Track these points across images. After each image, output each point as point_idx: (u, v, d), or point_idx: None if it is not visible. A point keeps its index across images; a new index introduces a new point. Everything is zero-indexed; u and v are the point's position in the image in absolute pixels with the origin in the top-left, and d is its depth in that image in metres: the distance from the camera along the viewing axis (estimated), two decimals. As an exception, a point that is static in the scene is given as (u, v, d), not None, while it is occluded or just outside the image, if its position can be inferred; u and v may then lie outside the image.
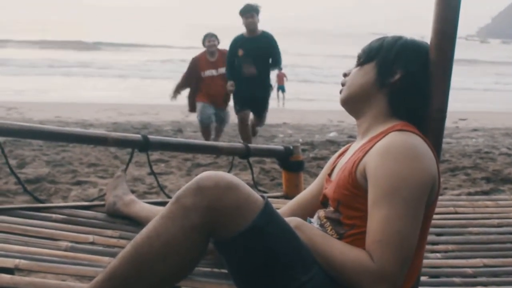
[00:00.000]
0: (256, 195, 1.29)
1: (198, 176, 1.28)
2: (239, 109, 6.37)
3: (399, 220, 1.26)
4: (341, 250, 1.32)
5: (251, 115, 6.51)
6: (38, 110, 9.83)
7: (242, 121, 6.41)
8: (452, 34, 1.42)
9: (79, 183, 4.26)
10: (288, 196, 2.53)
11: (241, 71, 6.09)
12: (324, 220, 1.45)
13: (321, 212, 1.49)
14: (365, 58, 1.50)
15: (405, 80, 1.43)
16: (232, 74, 6.23)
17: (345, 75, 1.56)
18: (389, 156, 1.30)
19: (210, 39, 6.73)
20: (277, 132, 8.24)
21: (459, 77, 23.19)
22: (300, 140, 7.26)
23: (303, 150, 6.11)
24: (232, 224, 1.24)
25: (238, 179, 1.30)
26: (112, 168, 4.74)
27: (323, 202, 1.53)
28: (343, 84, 1.55)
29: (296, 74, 23.25)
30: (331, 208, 1.44)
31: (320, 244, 1.34)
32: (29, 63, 22.57)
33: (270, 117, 10.21)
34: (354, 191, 1.36)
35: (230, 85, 6.21)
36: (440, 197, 3.17)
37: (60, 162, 4.93)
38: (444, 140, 7.39)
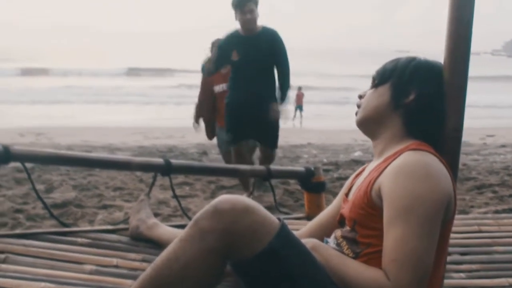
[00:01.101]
0: (272, 217, 1.31)
1: (215, 200, 1.32)
2: (233, 139, 4.59)
3: (414, 238, 1.26)
4: (356, 270, 1.32)
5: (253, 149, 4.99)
6: (66, 135, 10.01)
7: (239, 157, 4.59)
8: (465, 53, 1.43)
9: (105, 207, 4.33)
10: (310, 217, 2.53)
11: (236, 82, 4.52)
12: (341, 239, 1.46)
13: (338, 232, 1.51)
14: (379, 80, 1.52)
15: (420, 101, 1.44)
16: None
17: (360, 97, 1.58)
18: (403, 175, 1.31)
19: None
20: (301, 153, 8.23)
21: (485, 94, 22.94)
22: (325, 160, 7.24)
23: (327, 170, 6.10)
24: (248, 246, 1.26)
25: (255, 202, 1.33)
26: (137, 192, 4.80)
27: (340, 221, 1.55)
28: (358, 106, 1.57)
29: (320, 94, 23.26)
30: (348, 228, 1.45)
31: (336, 264, 1.35)
32: (56, 89, 23.06)
33: (295, 138, 10.26)
34: (369, 210, 1.38)
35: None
36: (464, 216, 3.15)
37: (86, 186, 5.01)
38: (471, 157, 7.39)
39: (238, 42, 4.40)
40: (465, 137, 7.09)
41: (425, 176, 1.30)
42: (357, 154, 7.96)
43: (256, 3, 4.34)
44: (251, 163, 4.80)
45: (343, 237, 1.46)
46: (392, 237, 1.28)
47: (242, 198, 1.31)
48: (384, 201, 1.33)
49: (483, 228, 2.45)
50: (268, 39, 4.42)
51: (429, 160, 1.34)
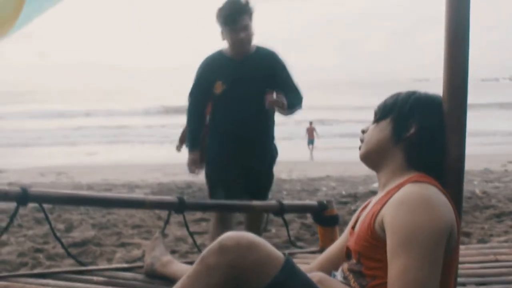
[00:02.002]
0: (277, 252, 1.36)
1: (221, 237, 1.37)
2: (215, 193, 3.24)
3: (416, 268, 1.28)
4: None
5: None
6: (86, 173, 10.14)
7: (221, 225, 3.18)
8: (463, 83, 1.46)
9: (123, 245, 4.36)
10: (324, 251, 2.54)
11: (221, 124, 3.25)
12: (347, 272, 1.48)
13: (345, 265, 1.52)
14: (380, 114, 1.56)
15: (420, 134, 1.48)
16: (198, 132, 3.32)
17: (363, 131, 1.62)
18: (404, 206, 1.34)
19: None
20: (320, 185, 8.21)
21: (506, 120, 22.73)
22: (343, 192, 7.22)
23: (346, 203, 6.08)
24: (254, 281, 1.30)
25: (259, 238, 1.37)
26: (155, 229, 4.83)
27: (347, 254, 1.56)
28: (361, 141, 1.60)
29: (336, 127, 23.29)
30: (353, 260, 1.47)
31: None
32: (75, 129, 23.46)
33: (313, 171, 10.25)
34: (373, 242, 1.40)
35: (190, 161, 3.35)
36: (481, 245, 3.13)
37: (105, 224, 5.06)
38: (492, 184, 7.30)
39: (224, 69, 3.19)
40: (486, 164, 7.05)
41: (426, 206, 1.32)
42: (375, 186, 7.91)
43: (250, 16, 3.19)
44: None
45: (350, 270, 1.47)
46: (395, 267, 1.30)
47: (247, 234, 1.36)
48: (386, 232, 1.36)
49: (500, 257, 2.43)
50: (265, 63, 3.22)
51: (430, 191, 1.37)
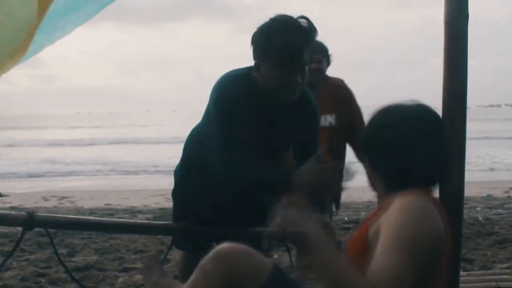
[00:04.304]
0: (266, 260, 1.56)
1: (218, 246, 1.56)
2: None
3: (397, 266, 1.34)
4: (346, 267, 1.40)
5: None
6: (89, 198, 10.14)
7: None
8: (461, 109, 1.49)
9: (126, 270, 4.36)
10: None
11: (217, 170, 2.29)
12: None
13: None
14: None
15: (388, 161, 1.59)
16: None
17: None
18: (399, 210, 1.44)
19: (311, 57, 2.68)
20: (322, 211, 8.19)
21: (509, 145, 22.70)
22: (346, 218, 7.21)
23: (348, 229, 6.07)
24: (248, 285, 1.48)
25: (251, 249, 1.56)
26: (158, 254, 4.83)
27: None
28: None
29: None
30: None
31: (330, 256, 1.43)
32: (76, 153, 23.50)
33: (315, 196, 10.18)
34: (361, 249, 1.50)
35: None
36: (482, 272, 3.13)
37: (108, 249, 5.06)
38: (495, 211, 7.28)
39: (255, 107, 2.22)
40: (489, 191, 7.03)
41: (418, 212, 1.42)
42: (378, 211, 7.90)
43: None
44: None
45: None
46: (379, 259, 1.38)
47: (240, 245, 1.55)
48: (380, 233, 1.44)
49: (502, 284, 2.44)
50: (304, 111, 2.33)
51: (421, 201, 1.46)
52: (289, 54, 2.05)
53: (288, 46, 2.03)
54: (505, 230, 5.64)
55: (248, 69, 2.22)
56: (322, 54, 2.95)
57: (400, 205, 1.45)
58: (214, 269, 1.49)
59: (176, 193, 2.52)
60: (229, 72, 2.26)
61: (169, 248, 2.51)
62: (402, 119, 1.57)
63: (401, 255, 1.35)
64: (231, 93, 2.16)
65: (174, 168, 2.58)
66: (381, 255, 1.37)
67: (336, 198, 2.96)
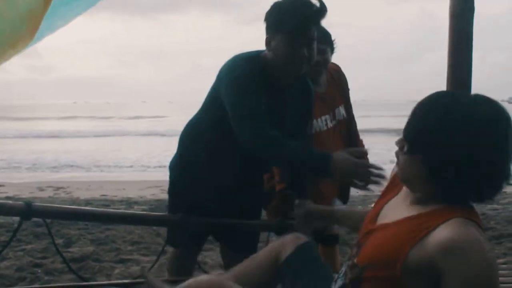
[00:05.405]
0: None
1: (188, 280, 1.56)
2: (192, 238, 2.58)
3: None
4: None
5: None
6: (84, 189, 10.12)
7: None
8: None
9: (122, 261, 4.36)
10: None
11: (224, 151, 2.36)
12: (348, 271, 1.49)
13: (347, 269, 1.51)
14: (409, 147, 1.38)
15: (461, 171, 1.30)
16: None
17: (397, 145, 1.44)
18: (462, 259, 1.23)
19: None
20: (318, 204, 8.20)
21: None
22: (341, 211, 7.21)
23: (344, 222, 6.08)
24: None
25: (223, 284, 1.55)
26: (154, 246, 4.83)
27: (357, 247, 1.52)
28: (397, 157, 1.45)
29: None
30: (356, 268, 1.45)
31: None
32: (73, 144, 23.45)
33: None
34: (389, 276, 1.32)
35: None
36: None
37: (104, 240, 5.06)
38: (490, 206, 7.29)
39: (264, 89, 2.27)
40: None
41: (483, 258, 1.24)
42: (374, 205, 7.91)
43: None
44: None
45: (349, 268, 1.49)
46: None
47: (213, 279, 1.56)
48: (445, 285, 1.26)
49: (499, 279, 2.43)
50: (303, 92, 2.50)
51: (477, 236, 1.26)
52: (297, 26, 2.15)
53: (296, 18, 2.14)
54: (501, 226, 5.66)
55: (257, 52, 2.30)
56: (326, 43, 2.71)
57: (464, 245, 1.22)
58: None
59: (174, 188, 2.51)
60: (240, 54, 2.31)
61: (166, 242, 2.50)
62: (478, 108, 1.28)
63: None
64: (247, 71, 2.21)
65: (169, 161, 2.58)
66: None
67: (345, 191, 2.90)
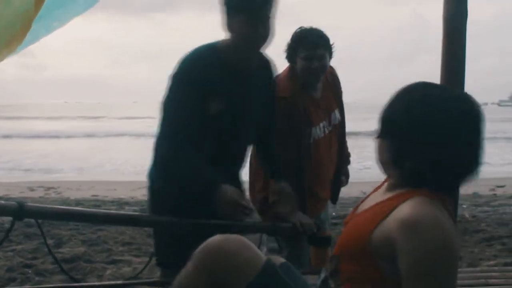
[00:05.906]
0: (257, 257, 1.47)
1: (207, 241, 1.51)
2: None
3: None
4: None
5: None
6: (75, 189, 10.07)
7: None
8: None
9: (113, 262, 4.34)
10: (317, 272, 2.54)
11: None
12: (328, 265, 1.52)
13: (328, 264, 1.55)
14: (381, 131, 1.44)
15: (425, 161, 1.34)
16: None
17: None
18: (417, 234, 1.24)
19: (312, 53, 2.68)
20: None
21: (495, 143, 22.93)
22: (333, 213, 7.22)
23: (336, 224, 6.08)
24: (237, 280, 1.42)
25: (242, 242, 1.49)
26: (146, 247, 4.81)
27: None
28: None
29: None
30: (334, 259, 1.49)
31: None
32: (64, 143, 23.32)
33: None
34: (360, 249, 1.36)
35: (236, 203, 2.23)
36: (471, 269, 3.13)
37: (95, 241, 5.04)
38: (481, 208, 7.33)
39: (223, 78, 2.24)
40: (475, 188, 7.07)
41: (440, 233, 1.25)
42: (365, 207, 7.91)
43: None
44: None
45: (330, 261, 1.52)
46: None
47: (229, 239, 1.48)
48: (400, 258, 1.27)
49: (491, 281, 2.45)
50: (266, 73, 2.48)
51: (437, 213, 1.28)
52: (250, 3, 2.16)
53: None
54: (492, 228, 5.70)
55: (216, 42, 2.31)
56: (324, 48, 2.63)
57: (420, 219, 1.24)
58: (203, 261, 1.45)
59: (159, 197, 2.47)
60: (197, 47, 2.30)
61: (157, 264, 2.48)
62: (446, 102, 1.31)
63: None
64: (200, 66, 2.20)
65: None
66: None
67: (334, 193, 2.96)
